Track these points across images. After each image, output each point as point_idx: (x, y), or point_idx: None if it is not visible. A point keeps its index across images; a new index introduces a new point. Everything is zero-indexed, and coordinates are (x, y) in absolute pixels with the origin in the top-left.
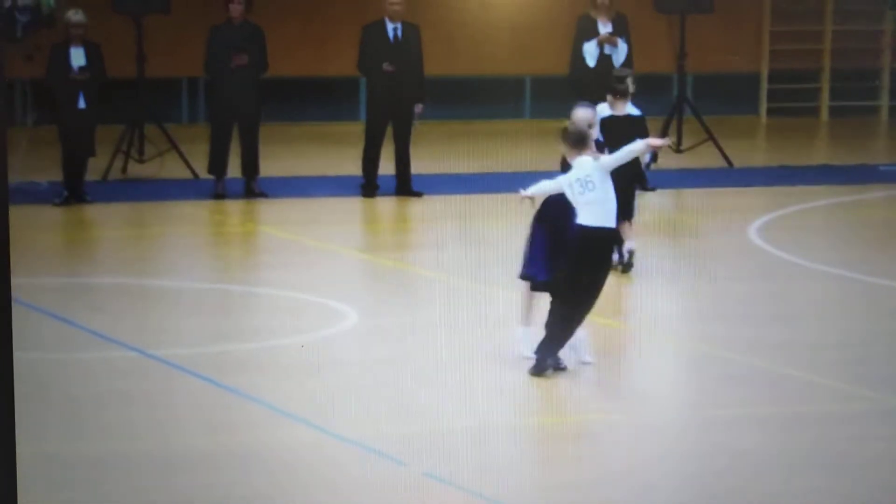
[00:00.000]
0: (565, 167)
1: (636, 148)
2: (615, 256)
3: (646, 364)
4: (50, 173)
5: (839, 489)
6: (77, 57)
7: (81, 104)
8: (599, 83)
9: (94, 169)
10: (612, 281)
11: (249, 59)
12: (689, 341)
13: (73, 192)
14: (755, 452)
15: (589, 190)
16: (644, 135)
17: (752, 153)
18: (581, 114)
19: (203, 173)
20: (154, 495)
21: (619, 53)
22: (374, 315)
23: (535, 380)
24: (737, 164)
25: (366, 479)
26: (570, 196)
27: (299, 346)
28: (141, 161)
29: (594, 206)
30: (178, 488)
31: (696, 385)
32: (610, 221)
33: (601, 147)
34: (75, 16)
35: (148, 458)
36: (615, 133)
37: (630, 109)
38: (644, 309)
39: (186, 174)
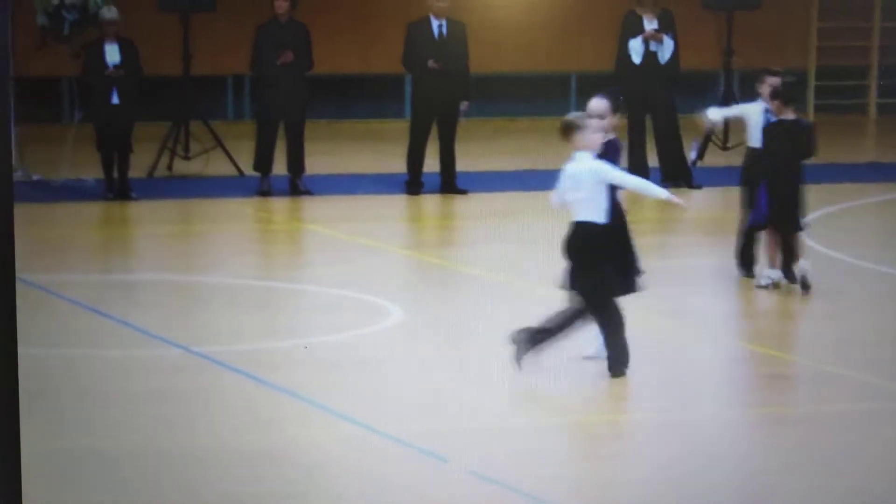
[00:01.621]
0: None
1: (653, 192)
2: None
3: (691, 362)
4: (96, 170)
5: (883, 488)
6: (112, 53)
7: (115, 100)
8: (645, 80)
9: (140, 166)
10: (660, 280)
11: (295, 56)
12: (735, 339)
13: (119, 188)
14: (799, 451)
15: (576, 190)
16: (811, 143)
17: None
18: (593, 104)
19: (248, 170)
20: (192, 491)
21: (665, 50)
22: (418, 312)
23: (577, 378)
24: None
25: (409, 477)
26: (558, 187)
27: (337, 343)
28: (187, 158)
29: (581, 204)
30: (219, 484)
31: (741, 383)
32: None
33: (613, 149)
34: (108, 13)
35: (187, 453)
36: (781, 139)
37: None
38: (690, 307)
39: (232, 171)
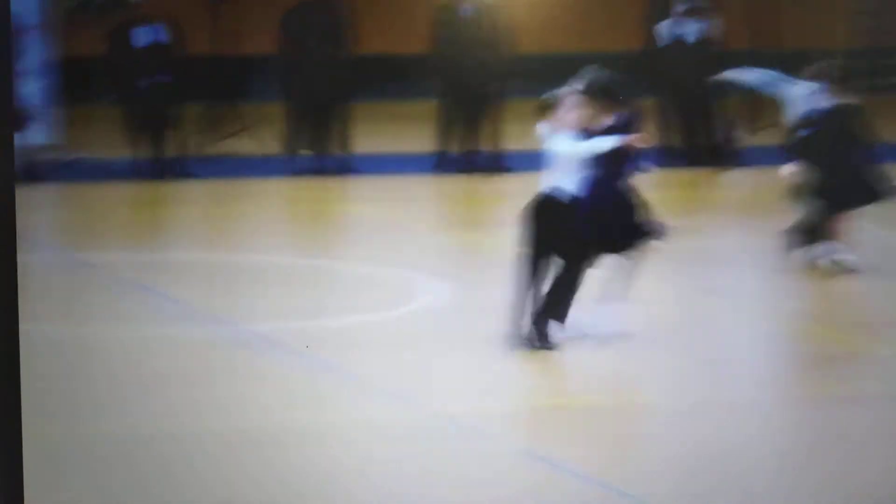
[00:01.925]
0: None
1: (607, 145)
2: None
3: (727, 343)
4: (135, 150)
5: None
6: (143, 34)
7: (150, 81)
8: (676, 61)
9: (179, 145)
10: (693, 260)
11: (328, 37)
12: (770, 319)
13: (162, 168)
14: (837, 431)
15: (552, 166)
16: (867, 127)
17: None
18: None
19: (282, 150)
20: (241, 468)
21: (696, 31)
22: (463, 291)
23: (628, 358)
24: None
25: (456, 455)
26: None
27: (382, 321)
28: (227, 138)
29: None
30: (267, 461)
31: (778, 364)
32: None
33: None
34: None
35: (231, 432)
36: (828, 122)
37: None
38: (724, 287)
39: (272, 151)
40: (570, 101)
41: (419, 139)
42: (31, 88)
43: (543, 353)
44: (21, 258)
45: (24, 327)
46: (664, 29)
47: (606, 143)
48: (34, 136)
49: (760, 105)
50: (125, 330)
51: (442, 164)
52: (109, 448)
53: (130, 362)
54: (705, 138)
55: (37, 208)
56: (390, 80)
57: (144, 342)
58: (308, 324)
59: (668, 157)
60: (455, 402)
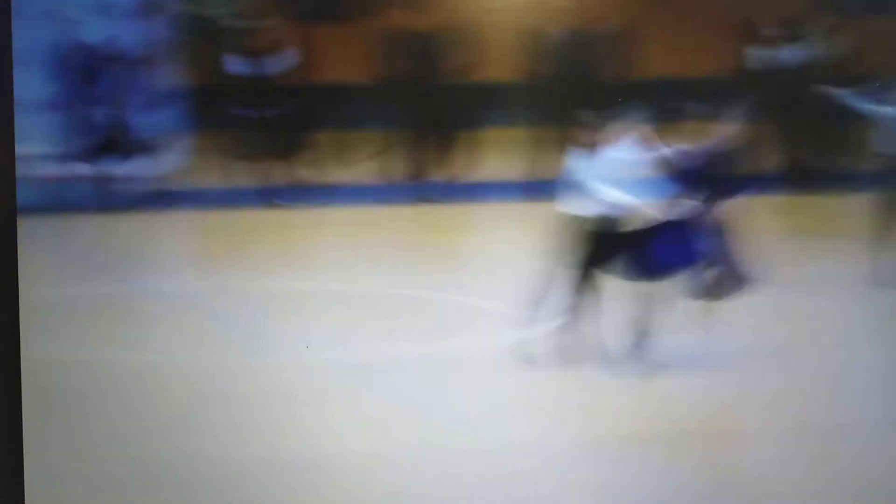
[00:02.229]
0: None
1: (624, 201)
2: None
3: (796, 368)
4: (241, 178)
5: None
6: (269, 62)
7: (271, 109)
8: (775, 85)
9: (290, 173)
10: (784, 283)
11: (430, 64)
12: (861, 344)
13: (278, 194)
14: None
15: None
16: None
17: None
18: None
19: (397, 178)
20: (312, 494)
21: (794, 55)
22: (552, 320)
23: (693, 384)
24: None
25: (527, 486)
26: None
27: (468, 350)
28: (344, 166)
29: None
30: (340, 487)
31: (868, 389)
32: None
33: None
34: (241, 23)
35: (313, 457)
36: None
37: None
38: (832, 311)
39: (381, 178)
40: (619, 128)
41: (509, 166)
42: (150, 118)
43: (628, 380)
44: (100, 289)
45: (98, 355)
46: (760, 53)
47: (623, 201)
48: (157, 166)
49: (865, 130)
50: (194, 358)
51: (531, 190)
52: (175, 470)
53: (200, 388)
54: (810, 163)
55: (167, 237)
56: (483, 107)
57: (210, 369)
58: (393, 352)
59: (770, 182)
60: (524, 432)
